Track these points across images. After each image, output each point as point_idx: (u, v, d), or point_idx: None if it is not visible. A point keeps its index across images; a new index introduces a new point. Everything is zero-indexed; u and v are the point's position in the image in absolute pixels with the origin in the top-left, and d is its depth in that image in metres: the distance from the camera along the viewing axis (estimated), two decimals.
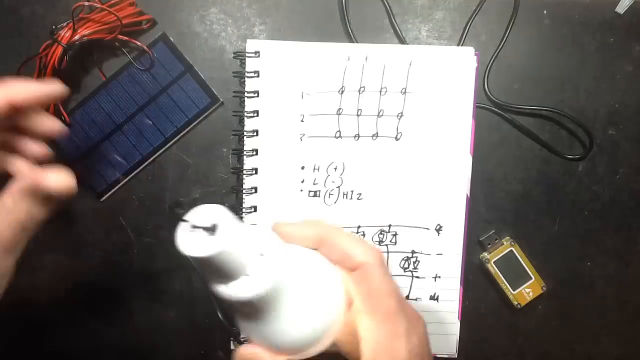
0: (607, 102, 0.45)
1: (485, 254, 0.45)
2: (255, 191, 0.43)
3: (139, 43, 0.43)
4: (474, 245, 0.46)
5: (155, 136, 0.44)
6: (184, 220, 0.25)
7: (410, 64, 0.43)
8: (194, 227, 0.25)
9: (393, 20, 0.44)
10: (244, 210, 0.43)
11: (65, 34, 0.40)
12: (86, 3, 0.40)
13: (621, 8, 0.45)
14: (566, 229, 0.46)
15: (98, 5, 0.40)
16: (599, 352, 0.47)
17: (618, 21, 0.45)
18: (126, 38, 0.42)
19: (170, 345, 0.46)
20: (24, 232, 0.33)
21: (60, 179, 0.33)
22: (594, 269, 0.47)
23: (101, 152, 0.44)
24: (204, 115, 0.44)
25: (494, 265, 0.45)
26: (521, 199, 0.46)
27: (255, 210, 0.43)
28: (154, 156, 0.44)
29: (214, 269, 0.26)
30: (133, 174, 0.44)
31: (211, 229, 0.25)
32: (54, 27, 0.40)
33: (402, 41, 0.45)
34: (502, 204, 0.46)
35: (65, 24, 0.40)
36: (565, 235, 0.46)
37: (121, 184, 0.44)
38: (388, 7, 0.44)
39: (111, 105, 0.44)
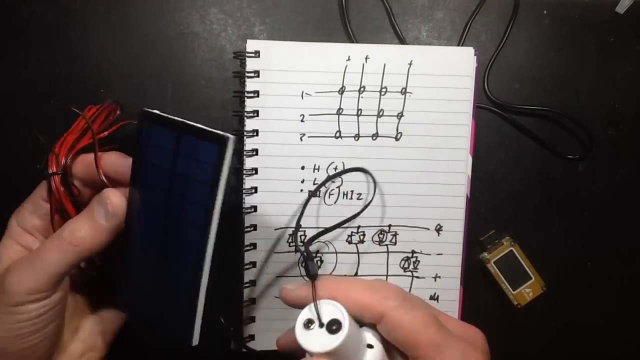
0: (607, 102, 0.45)
1: (485, 254, 0.45)
2: (255, 191, 0.43)
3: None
4: (474, 245, 0.46)
5: (190, 253, 0.32)
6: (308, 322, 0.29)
7: (410, 64, 0.43)
8: (310, 322, 0.29)
9: (393, 20, 0.44)
10: (244, 210, 0.43)
11: (52, 164, 0.35)
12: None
13: (621, 8, 0.45)
14: (566, 229, 0.46)
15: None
16: (599, 352, 0.47)
17: (618, 21, 0.45)
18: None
19: (170, 345, 0.46)
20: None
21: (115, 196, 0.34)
22: (594, 269, 0.47)
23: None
24: (224, 165, 0.30)
25: (494, 265, 0.45)
26: (521, 199, 0.46)
27: (255, 210, 0.43)
28: (207, 251, 0.32)
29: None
30: (200, 295, 0.33)
31: (333, 326, 0.28)
32: (38, 166, 0.35)
33: (402, 41, 0.45)
34: (502, 204, 0.46)
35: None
36: (565, 235, 0.46)
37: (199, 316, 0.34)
38: (388, 7, 0.44)
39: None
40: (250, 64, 0.42)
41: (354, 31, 0.44)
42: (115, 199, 0.33)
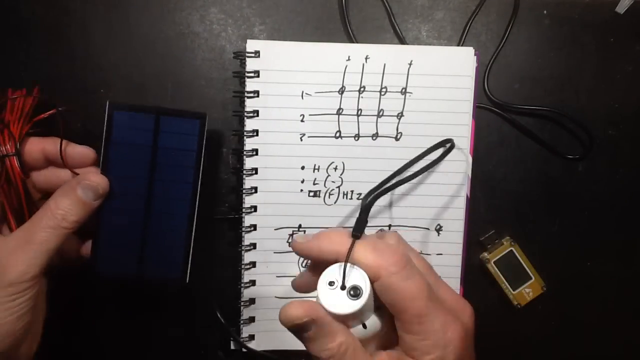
0: (607, 102, 0.45)
1: (485, 254, 0.45)
2: (255, 191, 0.43)
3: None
4: (474, 245, 0.46)
5: (182, 206, 0.39)
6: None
7: (410, 64, 0.43)
8: (331, 284, 0.31)
9: (393, 20, 0.44)
10: (244, 210, 0.43)
11: (5, 143, 0.37)
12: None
13: (621, 8, 0.45)
14: (566, 229, 0.46)
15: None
16: (599, 352, 0.47)
17: (618, 21, 0.45)
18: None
19: (170, 346, 0.46)
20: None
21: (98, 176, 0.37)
22: (594, 269, 0.46)
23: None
24: (204, 135, 0.39)
25: (494, 265, 0.45)
26: (521, 199, 0.46)
27: (255, 210, 0.43)
28: (196, 202, 0.39)
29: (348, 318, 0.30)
30: (191, 240, 0.39)
31: (355, 292, 0.30)
32: None
33: (402, 41, 0.45)
34: (502, 204, 0.46)
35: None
36: (565, 235, 0.46)
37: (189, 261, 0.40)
38: (388, 7, 0.44)
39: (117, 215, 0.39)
40: (250, 64, 0.42)
41: (354, 31, 0.44)
42: (98, 178, 0.37)
